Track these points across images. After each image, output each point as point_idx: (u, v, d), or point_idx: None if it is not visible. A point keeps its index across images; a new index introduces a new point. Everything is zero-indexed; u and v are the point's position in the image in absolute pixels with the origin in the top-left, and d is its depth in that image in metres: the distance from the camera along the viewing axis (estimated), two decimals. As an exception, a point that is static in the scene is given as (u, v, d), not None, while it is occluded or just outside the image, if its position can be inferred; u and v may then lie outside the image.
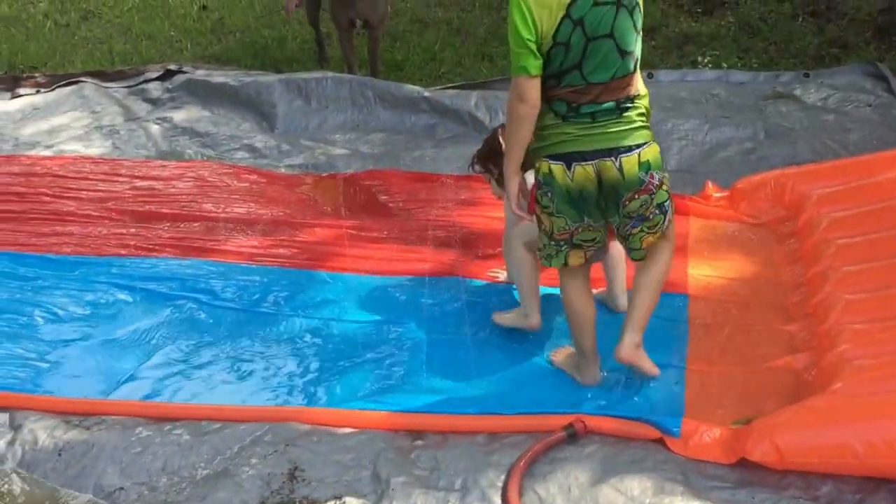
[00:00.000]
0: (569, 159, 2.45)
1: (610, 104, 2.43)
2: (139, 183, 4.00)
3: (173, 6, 6.47)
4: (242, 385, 2.81)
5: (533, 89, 2.39)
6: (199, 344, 3.00)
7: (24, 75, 5.24)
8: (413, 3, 6.22)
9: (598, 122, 2.43)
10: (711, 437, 2.43)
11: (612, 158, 2.44)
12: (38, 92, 4.96)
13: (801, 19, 5.37)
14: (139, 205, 3.82)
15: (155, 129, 4.54)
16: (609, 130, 2.44)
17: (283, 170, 4.15)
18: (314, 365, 2.89)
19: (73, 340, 3.02)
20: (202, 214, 3.75)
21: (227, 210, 3.79)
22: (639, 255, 2.64)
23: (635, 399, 2.67)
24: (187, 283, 3.29)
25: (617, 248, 2.84)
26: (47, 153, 4.32)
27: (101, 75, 5.13)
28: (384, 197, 3.90)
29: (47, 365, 2.91)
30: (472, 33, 5.70)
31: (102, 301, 3.21)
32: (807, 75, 4.58)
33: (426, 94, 4.52)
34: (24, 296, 3.22)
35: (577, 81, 2.40)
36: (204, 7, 6.44)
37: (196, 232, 3.64)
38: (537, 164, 2.52)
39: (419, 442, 2.52)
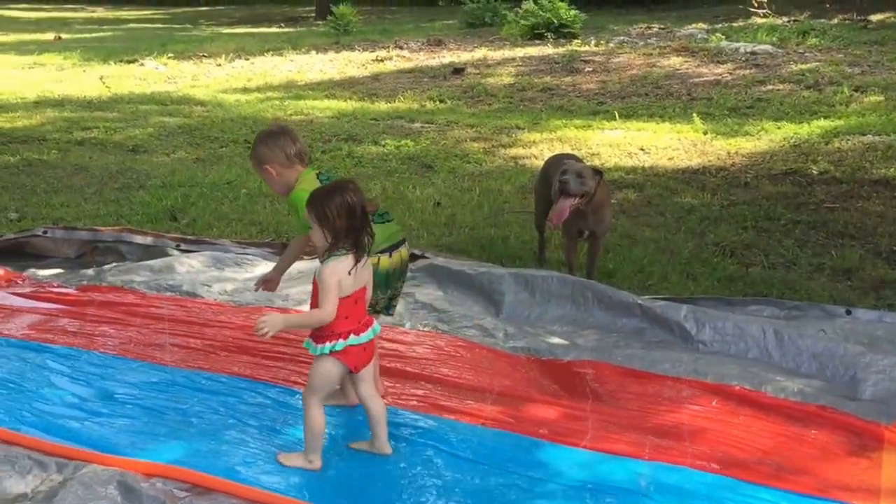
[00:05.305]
0: None
1: None
2: (387, 344, 4.70)
3: (411, 200, 7.47)
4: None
5: None
6: (436, 484, 3.55)
7: (294, 243, 6.20)
8: (624, 221, 6.90)
9: None
10: None
11: None
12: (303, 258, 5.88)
13: None
14: (387, 361, 4.50)
15: (400, 301, 5.28)
16: None
17: (507, 350, 4.74)
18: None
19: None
20: (440, 377, 4.38)
21: (461, 377, 4.39)
22: None
23: None
24: (429, 433, 3.87)
25: None
26: (315, 310, 5.13)
27: (356, 251, 6.01)
28: (595, 384, 4.38)
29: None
30: (677, 253, 6.25)
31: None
32: None
33: (639, 301, 5.04)
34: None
35: None
36: (438, 204, 7.40)
37: (434, 392, 4.25)
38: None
39: None
